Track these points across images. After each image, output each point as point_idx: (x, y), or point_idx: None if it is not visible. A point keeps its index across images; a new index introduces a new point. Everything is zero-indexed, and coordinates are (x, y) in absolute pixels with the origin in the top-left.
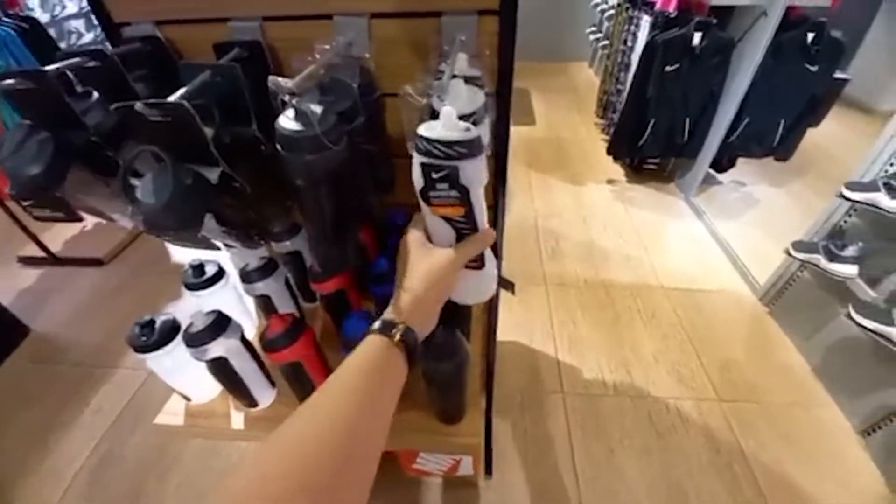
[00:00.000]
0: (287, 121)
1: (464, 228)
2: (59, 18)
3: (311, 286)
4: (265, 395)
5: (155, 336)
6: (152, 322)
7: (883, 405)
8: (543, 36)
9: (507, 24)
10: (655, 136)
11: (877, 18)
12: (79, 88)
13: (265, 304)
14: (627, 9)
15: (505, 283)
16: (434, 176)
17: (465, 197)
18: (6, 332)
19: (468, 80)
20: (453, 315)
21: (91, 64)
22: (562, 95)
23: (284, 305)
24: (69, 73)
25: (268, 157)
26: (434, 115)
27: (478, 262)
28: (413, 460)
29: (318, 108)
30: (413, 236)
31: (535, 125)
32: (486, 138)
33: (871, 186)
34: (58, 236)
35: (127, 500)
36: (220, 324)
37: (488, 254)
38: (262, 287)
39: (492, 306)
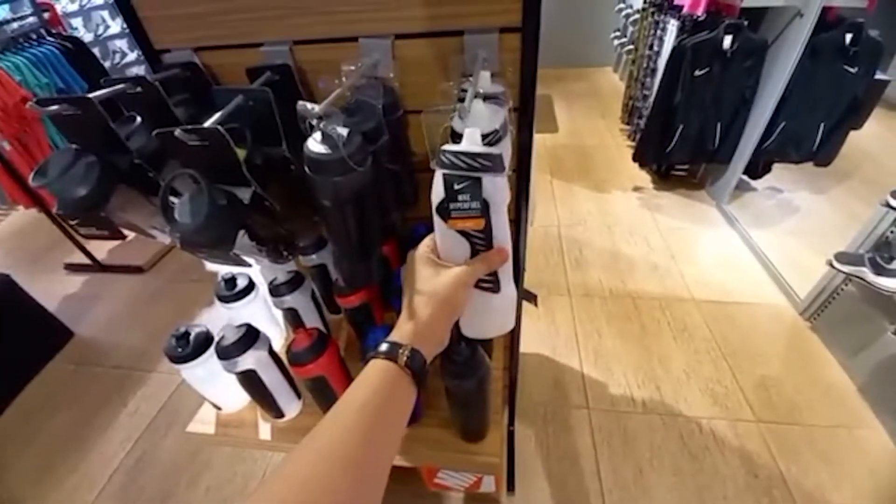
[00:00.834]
0: (314, 144)
1: (479, 244)
2: (102, 38)
3: (336, 300)
4: (291, 407)
5: (189, 348)
6: (187, 334)
7: None
8: (566, 42)
9: (529, 40)
10: (684, 141)
11: None
12: (124, 112)
13: (292, 317)
14: (653, 13)
15: (527, 295)
16: (456, 187)
17: (485, 211)
18: (52, 336)
19: (490, 97)
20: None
21: (134, 90)
22: (585, 101)
23: (310, 317)
24: (116, 100)
25: (297, 176)
26: (455, 135)
27: (493, 284)
28: (435, 475)
29: (344, 131)
30: (421, 253)
31: (557, 132)
32: (507, 155)
33: None
34: (103, 245)
35: (159, 503)
36: (250, 337)
37: (506, 277)
38: (289, 300)
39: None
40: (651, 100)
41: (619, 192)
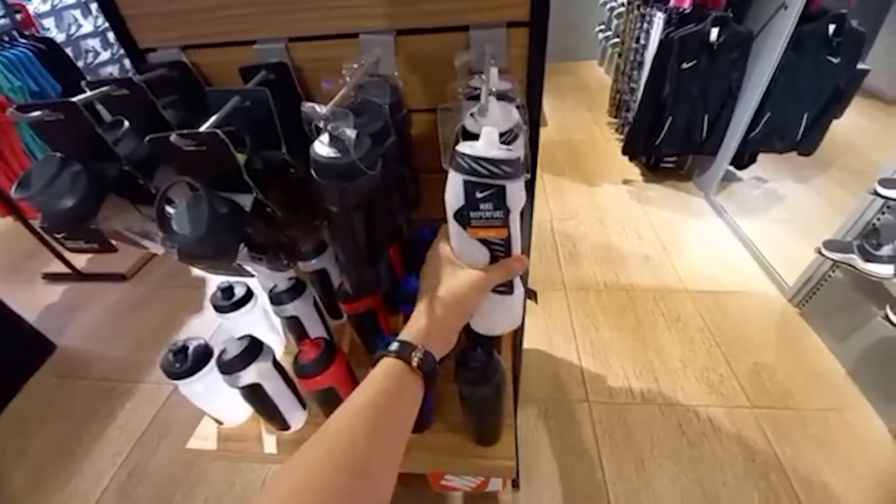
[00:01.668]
0: (322, 147)
1: (499, 251)
2: (74, 37)
3: (340, 306)
4: (297, 418)
5: (188, 362)
6: (185, 348)
7: None
8: (551, 36)
9: (538, 35)
10: (673, 133)
11: (894, 6)
12: (107, 118)
13: (294, 325)
14: (639, 6)
15: (527, 293)
16: (478, 195)
17: (507, 219)
18: (32, 349)
19: (501, 95)
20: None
21: (119, 92)
22: (573, 96)
23: (313, 325)
24: (97, 103)
25: (298, 180)
26: (468, 135)
27: (507, 287)
28: (441, 477)
29: (352, 133)
30: (442, 252)
31: (546, 126)
32: (522, 154)
33: None
34: (81, 253)
35: None
36: (254, 349)
37: (518, 279)
38: (291, 308)
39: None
40: (639, 93)
41: (609, 186)
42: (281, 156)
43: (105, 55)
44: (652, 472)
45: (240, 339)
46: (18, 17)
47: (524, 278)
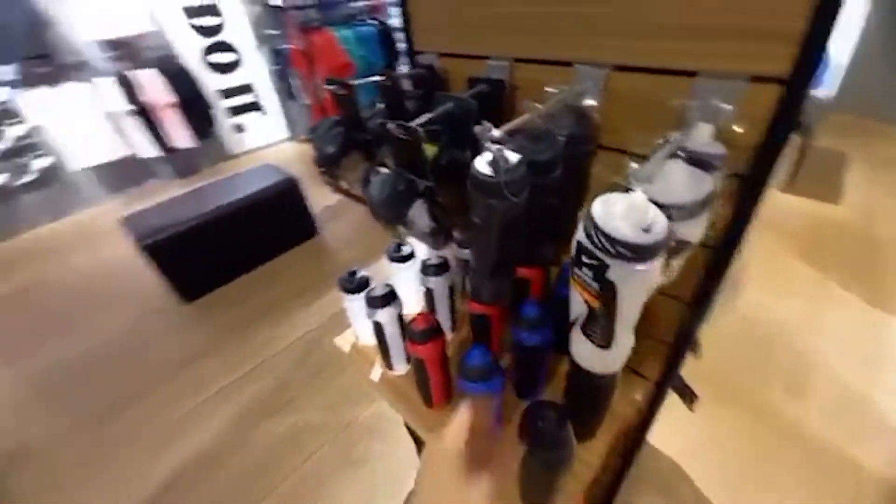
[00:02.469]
0: (481, 163)
1: (597, 315)
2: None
3: (464, 300)
4: (400, 366)
5: (353, 285)
6: (354, 273)
7: None
8: (878, 86)
9: (794, 98)
10: None
11: None
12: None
13: (428, 296)
14: None
15: (682, 389)
16: (583, 259)
17: (609, 293)
18: (306, 229)
19: (699, 160)
20: (580, 396)
21: (385, 82)
22: None
23: (441, 303)
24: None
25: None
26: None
27: (601, 340)
28: None
29: (513, 157)
30: (446, 452)
31: (837, 204)
32: (695, 234)
33: None
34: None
35: (315, 371)
36: (388, 298)
37: (620, 328)
38: (430, 282)
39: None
40: None
41: None
42: (465, 158)
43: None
44: None
45: (386, 286)
46: (372, 2)
47: (676, 360)
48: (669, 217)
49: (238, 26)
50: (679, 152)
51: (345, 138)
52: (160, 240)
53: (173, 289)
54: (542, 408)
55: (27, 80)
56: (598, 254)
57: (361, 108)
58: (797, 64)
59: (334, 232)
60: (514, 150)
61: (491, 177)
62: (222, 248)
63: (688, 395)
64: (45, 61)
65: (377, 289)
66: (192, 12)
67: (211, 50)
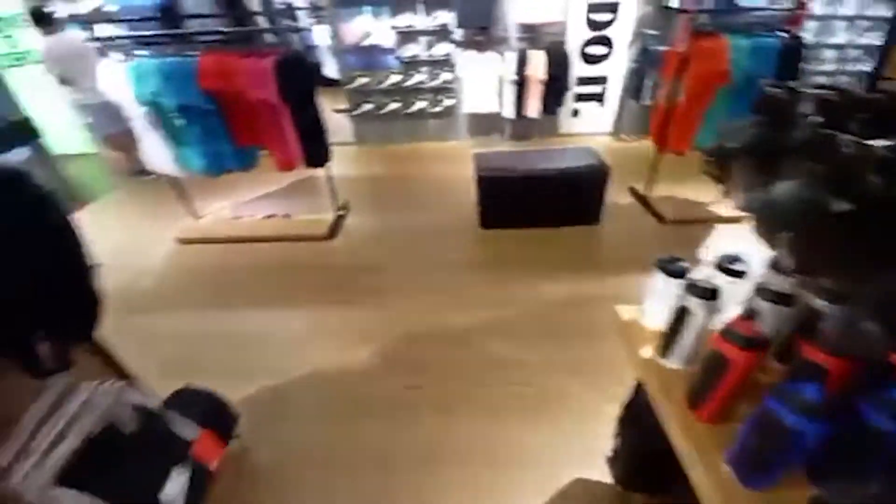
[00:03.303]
0: None
1: None
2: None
3: (800, 344)
4: (676, 359)
5: (674, 267)
6: (678, 259)
7: None
8: None
9: None
10: None
11: None
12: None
13: (750, 311)
14: None
15: None
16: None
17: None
18: (592, 215)
19: None
20: None
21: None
22: None
23: (769, 321)
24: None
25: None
26: None
27: None
28: None
29: None
30: None
31: None
32: None
33: None
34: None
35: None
36: (711, 294)
37: None
38: (759, 305)
39: None
40: None
41: None
42: None
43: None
44: None
45: (710, 284)
46: (790, 13)
47: None
48: None
49: (624, 24)
50: None
51: (754, 138)
52: (488, 176)
53: (479, 213)
54: None
55: (467, 44)
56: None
57: (795, 116)
58: None
59: (613, 228)
60: None
61: None
62: (525, 201)
63: None
64: (482, 32)
65: (703, 280)
66: (593, 7)
67: (591, 42)
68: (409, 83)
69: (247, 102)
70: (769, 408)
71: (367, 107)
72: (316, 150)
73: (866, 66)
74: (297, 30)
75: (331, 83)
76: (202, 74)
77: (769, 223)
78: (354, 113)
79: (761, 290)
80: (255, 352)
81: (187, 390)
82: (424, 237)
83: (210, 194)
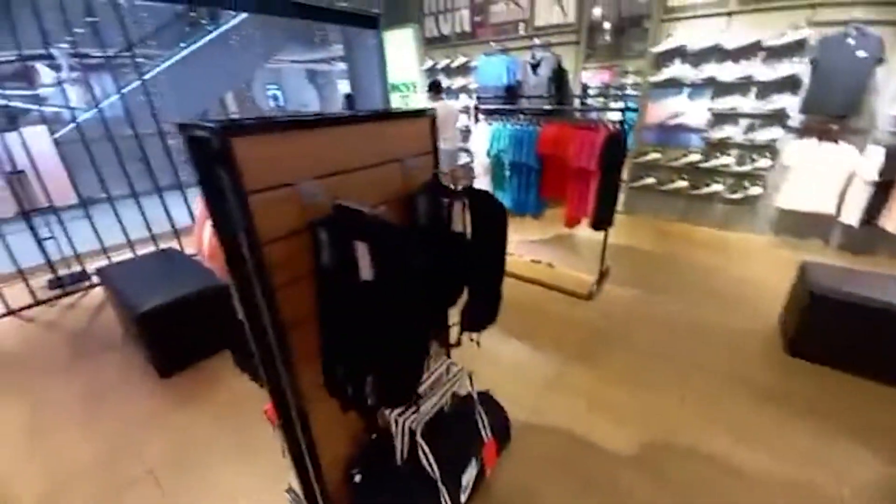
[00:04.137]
0: None
1: None
2: None
3: None
4: None
5: None
6: None
7: None
8: None
9: None
10: None
11: None
12: None
13: None
14: None
15: None
16: None
17: None
18: None
19: None
20: None
21: None
22: None
23: None
24: None
25: None
26: None
27: None
28: None
29: None
30: None
31: None
32: None
33: None
34: None
35: None
36: None
37: None
38: None
39: None
40: None
41: None
42: None
43: None
44: None
45: None
46: None
47: None
48: None
49: None
50: None
51: None
52: (827, 297)
53: (790, 335)
54: None
55: (804, 131)
56: None
57: None
58: None
59: None
60: None
61: None
62: (870, 341)
63: None
64: (837, 120)
65: None
66: None
67: None
68: (707, 164)
69: (565, 165)
70: None
71: (649, 180)
72: (605, 215)
73: None
74: (608, 109)
75: None
76: (542, 141)
77: None
78: (633, 185)
79: None
80: (505, 377)
81: (487, 394)
82: (701, 332)
83: None
